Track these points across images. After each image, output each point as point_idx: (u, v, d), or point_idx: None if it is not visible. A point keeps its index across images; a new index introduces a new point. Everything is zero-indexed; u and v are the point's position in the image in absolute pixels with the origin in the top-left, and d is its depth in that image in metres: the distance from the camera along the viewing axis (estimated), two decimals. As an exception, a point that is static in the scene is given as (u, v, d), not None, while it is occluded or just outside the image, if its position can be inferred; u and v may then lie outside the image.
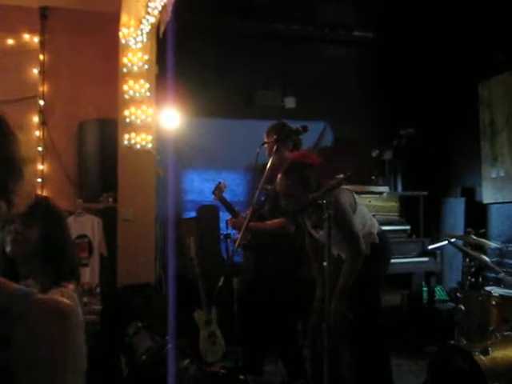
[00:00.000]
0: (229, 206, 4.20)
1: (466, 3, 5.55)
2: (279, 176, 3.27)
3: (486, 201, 5.79)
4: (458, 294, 3.96)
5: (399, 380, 4.35)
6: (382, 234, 3.40)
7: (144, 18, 4.57)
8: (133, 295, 4.32)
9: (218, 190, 4.21)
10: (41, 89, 5.17)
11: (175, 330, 3.74)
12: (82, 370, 0.99)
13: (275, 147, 3.56)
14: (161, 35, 4.89)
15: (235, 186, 6.29)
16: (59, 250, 1.93)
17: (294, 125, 3.98)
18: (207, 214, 5.94)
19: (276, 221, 3.80)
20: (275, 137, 3.65)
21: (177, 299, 4.13)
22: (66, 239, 2.02)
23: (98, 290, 4.68)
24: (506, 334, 3.39)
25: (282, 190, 3.21)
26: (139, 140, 4.85)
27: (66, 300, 0.96)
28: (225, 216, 5.76)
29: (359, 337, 3.25)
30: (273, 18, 6.08)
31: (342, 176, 2.80)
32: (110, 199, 4.90)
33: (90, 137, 5.11)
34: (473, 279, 3.99)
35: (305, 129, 3.66)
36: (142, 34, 4.68)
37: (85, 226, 4.85)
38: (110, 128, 4.97)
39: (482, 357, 3.07)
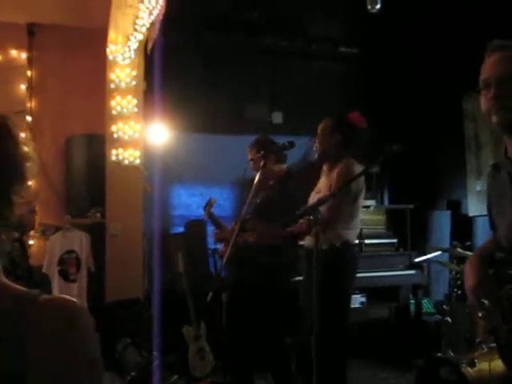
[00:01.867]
0: (216, 221, 4.25)
1: (450, 19, 5.64)
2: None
3: (471, 213, 5.86)
4: (444, 307, 3.99)
5: (387, 393, 4.38)
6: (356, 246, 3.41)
7: (132, 34, 4.60)
8: (121, 311, 4.30)
9: (209, 206, 4.25)
10: (28, 105, 5.17)
11: (163, 345, 3.74)
12: (100, 369, 0.96)
13: (263, 162, 3.59)
14: (148, 52, 4.93)
15: (223, 200, 6.30)
16: None
17: (281, 140, 4.03)
18: (195, 229, 5.95)
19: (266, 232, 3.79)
20: (262, 152, 3.69)
21: (166, 315, 4.13)
22: None
23: (86, 305, 4.67)
24: (492, 345, 3.42)
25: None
26: (127, 156, 4.86)
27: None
28: (212, 231, 5.78)
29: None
30: (260, 32, 6.14)
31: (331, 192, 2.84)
32: (98, 215, 4.90)
33: (78, 152, 5.11)
34: (459, 291, 4.03)
35: (291, 144, 3.68)
36: (129, 51, 4.71)
37: (73, 241, 4.84)
38: (97, 143, 4.98)
39: (469, 369, 3.09)
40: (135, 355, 3.54)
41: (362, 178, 3.20)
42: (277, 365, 3.92)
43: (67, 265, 4.80)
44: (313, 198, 3.36)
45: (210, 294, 3.35)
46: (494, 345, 3.40)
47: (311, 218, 2.35)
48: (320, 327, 2.49)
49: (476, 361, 3.14)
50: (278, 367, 3.91)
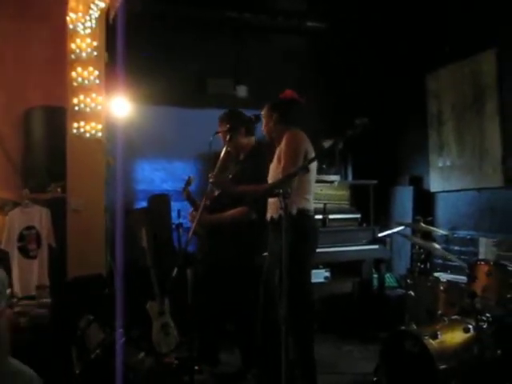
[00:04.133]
0: (193, 200, 4.22)
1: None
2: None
3: (433, 189, 5.95)
4: (408, 281, 4.05)
5: (351, 366, 4.45)
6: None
7: (93, 2, 4.44)
8: (83, 287, 4.22)
9: (188, 184, 4.22)
10: (-17, 75, 4.97)
11: (127, 321, 3.69)
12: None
13: (229, 136, 3.56)
14: (110, 21, 4.78)
15: (186, 175, 6.21)
16: None
17: (247, 113, 4.00)
18: (158, 203, 5.87)
19: (237, 210, 3.78)
20: (228, 125, 3.64)
21: (129, 290, 4.08)
22: None
23: (47, 282, 4.58)
24: (453, 317, 3.51)
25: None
26: (88, 128, 4.73)
27: None
28: (176, 205, 5.72)
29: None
30: (225, 5, 6.03)
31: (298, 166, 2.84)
32: (59, 189, 4.77)
33: (37, 125, 4.95)
34: (422, 266, 4.10)
35: (257, 118, 3.68)
36: (90, 20, 4.55)
37: (32, 217, 4.71)
38: (57, 116, 4.83)
39: (432, 340, 3.16)
40: (98, 332, 3.48)
41: (312, 148, 3.38)
42: (246, 338, 3.92)
43: (27, 241, 4.68)
44: (271, 170, 3.48)
45: (175, 270, 3.33)
46: (454, 317, 3.51)
47: (281, 191, 2.33)
48: (286, 297, 2.50)
49: (438, 333, 3.21)
50: (246, 341, 3.92)
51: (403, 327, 3.56)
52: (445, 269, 4.81)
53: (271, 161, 3.53)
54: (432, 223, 5.06)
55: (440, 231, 4.68)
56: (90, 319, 3.64)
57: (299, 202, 3.28)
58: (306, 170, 2.84)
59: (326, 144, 6.08)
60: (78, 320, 3.71)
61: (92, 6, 4.46)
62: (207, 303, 3.92)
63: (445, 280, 3.90)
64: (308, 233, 3.31)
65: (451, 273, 4.50)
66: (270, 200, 3.43)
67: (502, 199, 5.06)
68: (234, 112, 4.04)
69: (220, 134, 3.89)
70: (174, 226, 5.67)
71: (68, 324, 3.72)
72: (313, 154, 3.40)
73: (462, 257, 5.24)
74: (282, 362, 2.58)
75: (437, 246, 4.13)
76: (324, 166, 5.80)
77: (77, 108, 4.69)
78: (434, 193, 5.95)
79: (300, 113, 3.57)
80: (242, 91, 6.31)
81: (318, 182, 5.47)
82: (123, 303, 3.75)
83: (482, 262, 3.47)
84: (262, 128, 3.66)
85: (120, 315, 3.50)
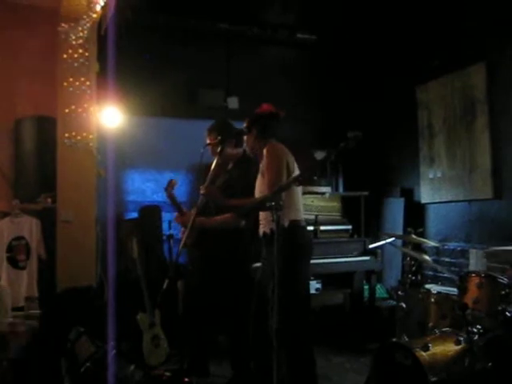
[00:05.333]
0: (176, 203, 4.17)
1: (404, 13, 5.73)
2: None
3: (423, 201, 5.98)
4: (399, 292, 4.05)
5: (342, 378, 4.44)
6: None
7: (85, 13, 4.43)
8: (73, 299, 4.18)
9: (170, 187, 4.17)
10: (-27, 84, 4.94)
11: (117, 333, 3.66)
12: None
13: (220, 148, 3.56)
14: (102, 32, 4.78)
15: (177, 185, 6.22)
16: None
17: (238, 125, 4.02)
18: (149, 214, 5.85)
19: (223, 217, 3.78)
20: (219, 137, 3.64)
21: (120, 302, 4.05)
22: None
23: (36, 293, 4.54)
24: (444, 329, 3.51)
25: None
26: (80, 139, 4.71)
27: None
28: (167, 216, 5.70)
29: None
30: (217, 17, 6.05)
31: (291, 177, 2.85)
32: (49, 200, 4.75)
33: (28, 135, 4.93)
34: (413, 277, 4.10)
35: (249, 129, 3.68)
36: (82, 30, 4.54)
37: (22, 227, 4.67)
38: (48, 126, 4.81)
39: (423, 352, 3.16)
40: (89, 345, 3.44)
41: (292, 158, 3.41)
42: (238, 350, 3.90)
43: (16, 252, 4.64)
44: (257, 185, 3.50)
45: (166, 282, 3.31)
46: (446, 329, 3.51)
47: (273, 203, 2.33)
48: (282, 310, 2.49)
49: (429, 345, 3.21)
50: (238, 352, 3.90)
51: (394, 339, 3.55)
52: (435, 280, 4.83)
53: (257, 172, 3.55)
54: (422, 235, 5.07)
55: (431, 243, 4.69)
56: (80, 331, 3.61)
57: (290, 214, 3.26)
58: (300, 182, 2.84)
59: (318, 156, 6.11)
60: (68, 332, 3.67)
61: (84, 16, 4.46)
62: (198, 314, 3.89)
63: (436, 292, 3.90)
64: (302, 244, 3.31)
65: (442, 284, 4.52)
66: (262, 215, 3.43)
67: (492, 211, 5.09)
68: (223, 123, 4.05)
69: (209, 146, 3.91)
70: (164, 237, 5.67)
71: (57, 336, 3.68)
72: (294, 165, 3.41)
73: (453, 268, 5.27)
74: (274, 377, 2.58)
75: (428, 258, 4.14)
76: (315, 178, 5.81)
77: (68, 118, 4.67)
78: (424, 204, 5.97)
79: (279, 126, 3.58)
80: (233, 103, 6.32)
81: (309, 193, 5.52)
82: (114, 315, 3.73)
83: (473, 274, 3.48)
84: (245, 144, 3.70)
85: (111, 327, 3.48)
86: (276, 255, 2.36)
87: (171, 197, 4.18)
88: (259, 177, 3.48)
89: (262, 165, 3.43)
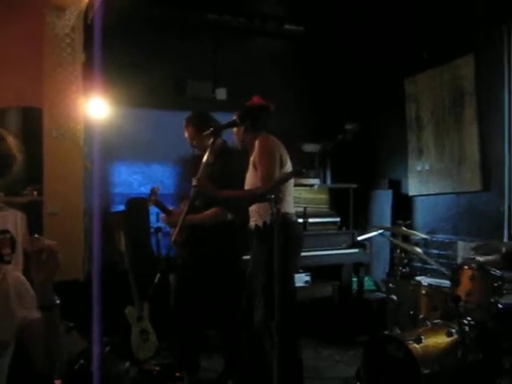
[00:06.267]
0: (162, 207, 4.18)
1: (393, 4, 5.72)
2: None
3: (411, 193, 5.99)
4: (390, 285, 4.05)
5: (331, 370, 4.44)
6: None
7: (72, 2, 4.35)
8: (61, 293, 4.11)
9: (153, 195, 4.17)
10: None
11: (105, 328, 3.60)
12: None
13: (212, 139, 3.52)
14: (89, 21, 4.69)
15: (165, 178, 6.18)
16: None
17: (226, 116, 3.99)
18: (136, 207, 5.78)
19: (210, 211, 3.75)
20: (211, 129, 3.60)
21: (108, 296, 3.99)
22: None
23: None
24: (435, 321, 3.52)
25: None
26: (66, 130, 4.63)
27: None
28: (155, 209, 5.63)
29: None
30: (205, 7, 5.98)
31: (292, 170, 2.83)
32: (35, 193, 4.66)
33: (12, 126, 4.79)
34: (404, 269, 4.11)
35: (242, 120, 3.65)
36: (69, 19, 4.45)
37: (6, 221, 4.56)
38: (34, 117, 4.70)
39: (416, 345, 3.16)
40: (79, 340, 3.39)
41: (285, 151, 3.43)
42: (230, 344, 3.88)
43: (1, 245, 4.53)
44: (248, 177, 3.50)
45: (158, 276, 3.28)
46: (437, 321, 3.52)
47: (272, 196, 2.31)
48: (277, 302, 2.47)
49: (422, 337, 3.21)
50: (230, 345, 3.88)
51: (386, 331, 3.55)
52: (424, 272, 4.83)
53: (240, 164, 3.54)
54: (410, 227, 5.08)
55: (420, 235, 4.70)
56: (69, 326, 3.55)
57: (282, 206, 3.25)
58: (300, 174, 2.83)
59: (306, 148, 6.10)
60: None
61: (71, 5, 4.37)
62: (189, 308, 3.86)
63: (426, 284, 3.91)
64: (293, 237, 3.29)
65: (431, 276, 4.52)
66: (253, 208, 3.40)
67: (481, 203, 5.11)
68: (205, 115, 4.07)
69: (187, 137, 3.94)
70: (152, 230, 5.62)
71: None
72: (287, 158, 3.41)
73: (441, 260, 5.29)
74: (264, 366, 2.56)
75: (419, 250, 4.15)
76: (304, 170, 5.79)
77: (54, 109, 4.58)
78: (412, 196, 5.98)
79: (269, 118, 3.59)
80: (221, 94, 6.26)
81: (297, 185, 5.48)
82: (102, 309, 3.67)
83: (466, 267, 3.48)
84: (234, 137, 3.70)
85: (96, 322, 3.42)
86: (276, 248, 2.33)
87: (157, 203, 4.21)
88: (250, 169, 3.45)
89: (254, 157, 3.40)
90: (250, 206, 3.37)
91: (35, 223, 4.61)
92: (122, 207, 5.82)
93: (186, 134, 4.00)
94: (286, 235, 3.16)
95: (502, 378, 3.26)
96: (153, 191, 4.23)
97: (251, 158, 3.48)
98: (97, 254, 4.36)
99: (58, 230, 4.59)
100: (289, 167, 3.42)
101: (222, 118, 4.06)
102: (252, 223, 3.47)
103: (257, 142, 3.37)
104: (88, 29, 4.75)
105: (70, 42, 4.61)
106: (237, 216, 3.77)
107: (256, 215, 3.42)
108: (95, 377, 2.89)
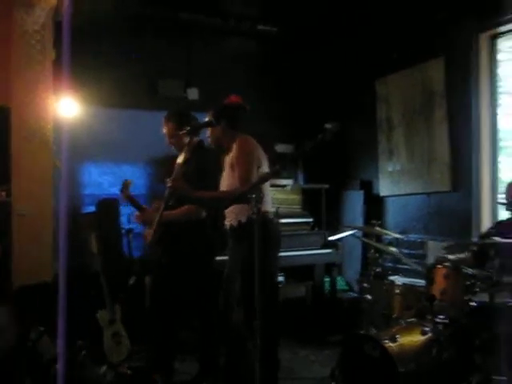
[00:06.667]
0: (135, 203, 4.08)
1: (364, 6, 5.77)
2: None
3: (382, 193, 6.05)
4: (364, 284, 4.08)
5: (306, 370, 4.45)
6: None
7: (42, -2, 4.26)
8: (31, 296, 4.02)
9: (125, 188, 4.07)
10: None
11: (79, 331, 3.53)
12: None
13: (189, 139, 3.49)
14: (59, 18, 4.59)
15: (136, 178, 6.05)
16: None
17: (198, 116, 3.97)
18: (107, 208, 5.69)
19: (184, 207, 3.71)
20: (188, 128, 3.56)
21: (78, 298, 3.91)
22: None
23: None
24: (409, 320, 3.55)
25: None
26: (35, 130, 4.52)
27: None
28: (126, 210, 5.57)
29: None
30: (177, 6, 5.93)
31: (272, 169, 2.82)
32: (3, 193, 4.54)
33: (-21, 124, 4.70)
34: (377, 269, 4.15)
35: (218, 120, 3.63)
36: (39, 16, 4.35)
37: (-27, 222, 4.46)
38: (2, 116, 4.59)
39: (391, 344, 3.18)
40: (51, 345, 3.31)
41: (262, 152, 3.43)
42: (204, 346, 3.85)
43: (-32, 248, 4.42)
44: (225, 178, 3.49)
45: (133, 278, 3.23)
46: (411, 319, 3.56)
47: (253, 196, 2.29)
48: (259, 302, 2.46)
49: (397, 336, 3.24)
50: (205, 348, 3.85)
51: (362, 331, 3.57)
52: (396, 272, 4.88)
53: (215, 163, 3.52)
54: (381, 227, 5.13)
55: (394, 235, 4.75)
56: (40, 331, 3.47)
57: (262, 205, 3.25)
58: (279, 174, 2.83)
59: (279, 148, 6.10)
60: (27, 331, 3.52)
61: (41, 1, 4.27)
62: (164, 309, 3.81)
63: (400, 283, 3.95)
64: (271, 237, 3.29)
65: (403, 276, 4.57)
66: (229, 207, 3.39)
67: (451, 203, 5.19)
68: (185, 112, 4.02)
69: (166, 134, 3.91)
70: (123, 231, 5.54)
71: (17, 335, 3.52)
72: (264, 159, 3.41)
73: (412, 260, 5.35)
74: (244, 367, 2.55)
75: (394, 249, 4.20)
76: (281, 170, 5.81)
77: (23, 108, 4.47)
78: (383, 197, 6.04)
79: (245, 118, 3.57)
80: (193, 94, 6.22)
81: (270, 186, 5.48)
82: (72, 312, 3.60)
83: (440, 266, 3.53)
84: (208, 136, 3.64)
85: (63, 325, 3.35)
86: (256, 248, 2.32)
87: (129, 198, 4.08)
88: (227, 169, 3.43)
89: (232, 158, 3.38)
90: (228, 207, 3.35)
91: (4, 224, 4.50)
92: (93, 208, 5.72)
93: (165, 131, 3.93)
94: (265, 233, 3.16)
95: (473, 374, 3.30)
96: (124, 184, 4.09)
97: (228, 159, 3.46)
98: (63, 256, 4.26)
99: (28, 231, 4.49)
100: (265, 168, 3.42)
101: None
102: (227, 223, 3.45)
103: (236, 143, 3.35)
104: (58, 26, 4.65)
105: (40, 38, 4.50)
106: (209, 215, 3.76)
107: (231, 215, 3.41)
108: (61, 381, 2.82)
